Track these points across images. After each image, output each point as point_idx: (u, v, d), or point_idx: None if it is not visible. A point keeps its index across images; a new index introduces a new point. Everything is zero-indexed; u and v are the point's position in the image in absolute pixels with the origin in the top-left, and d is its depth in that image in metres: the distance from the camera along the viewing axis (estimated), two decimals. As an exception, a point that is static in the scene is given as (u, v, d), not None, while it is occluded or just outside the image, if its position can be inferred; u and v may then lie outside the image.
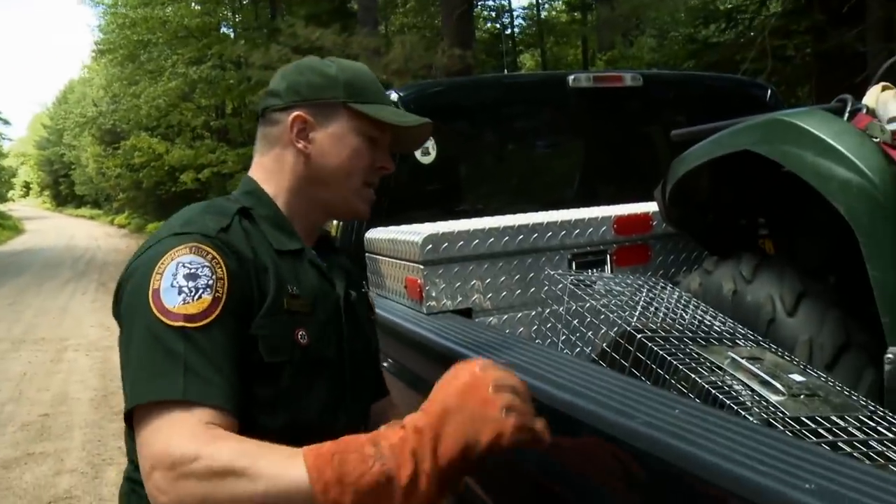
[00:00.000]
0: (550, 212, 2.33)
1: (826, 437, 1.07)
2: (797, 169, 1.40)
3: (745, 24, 10.06)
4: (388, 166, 1.27)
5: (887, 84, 1.57)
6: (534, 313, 2.11)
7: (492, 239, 2.06)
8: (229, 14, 20.40)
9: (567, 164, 3.10)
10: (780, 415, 1.12)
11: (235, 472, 0.86)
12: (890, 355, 1.28)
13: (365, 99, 1.23)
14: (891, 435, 1.09)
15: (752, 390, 1.20)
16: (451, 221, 2.42)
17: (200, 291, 1.01)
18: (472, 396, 0.89)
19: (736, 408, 1.16)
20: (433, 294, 2.04)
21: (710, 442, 0.91)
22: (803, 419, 1.12)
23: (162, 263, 1.03)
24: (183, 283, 1.01)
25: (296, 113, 1.20)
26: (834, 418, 1.12)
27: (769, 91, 3.00)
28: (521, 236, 2.08)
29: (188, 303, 1.00)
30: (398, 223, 2.54)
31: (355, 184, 1.24)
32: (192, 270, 1.03)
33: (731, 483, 0.81)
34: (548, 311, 2.06)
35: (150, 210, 25.94)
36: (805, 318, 1.46)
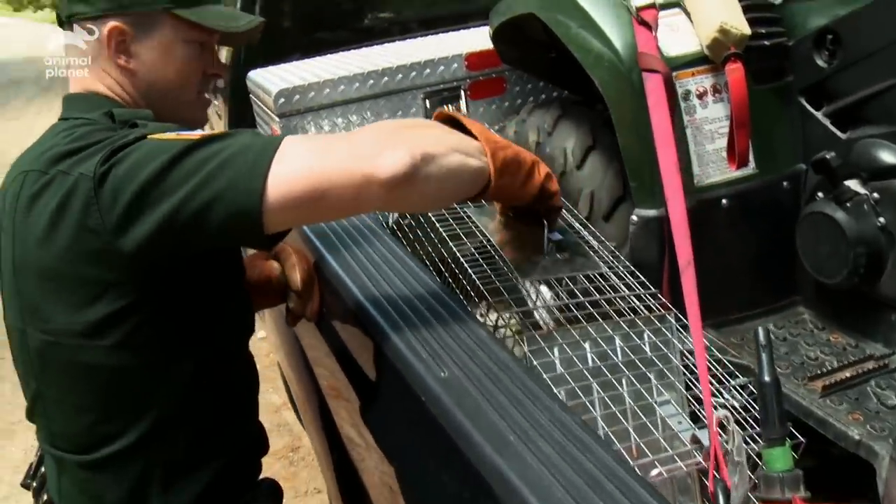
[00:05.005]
0: (401, 51, 2.35)
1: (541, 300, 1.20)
2: (565, 39, 1.43)
3: None
4: (220, 72, 1.20)
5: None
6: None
7: (342, 86, 2.10)
8: None
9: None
10: (514, 278, 1.24)
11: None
12: (634, 217, 1.40)
13: (189, 1, 1.11)
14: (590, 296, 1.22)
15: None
16: (315, 61, 2.44)
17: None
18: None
19: (475, 268, 1.27)
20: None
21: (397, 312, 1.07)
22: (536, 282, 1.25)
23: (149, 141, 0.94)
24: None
25: (112, 24, 1.07)
26: (557, 279, 1.23)
27: None
28: (371, 81, 2.12)
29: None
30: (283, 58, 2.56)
31: (190, 95, 1.16)
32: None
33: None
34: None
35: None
36: (590, 171, 1.55)
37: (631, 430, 1.00)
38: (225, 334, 1.14)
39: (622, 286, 1.27)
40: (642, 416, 1.05)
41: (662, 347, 1.16)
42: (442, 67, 2.17)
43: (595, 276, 1.28)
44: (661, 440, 1.01)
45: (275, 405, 3.29)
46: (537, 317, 1.27)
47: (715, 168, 1.44)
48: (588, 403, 1.04)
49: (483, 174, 1.02)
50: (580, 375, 1.08)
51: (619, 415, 1.04)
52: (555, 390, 1.01)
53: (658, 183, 1.35)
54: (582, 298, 1.23)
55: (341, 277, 1.24)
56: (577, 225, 1.42)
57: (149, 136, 0.95)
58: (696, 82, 1.41)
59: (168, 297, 1.00)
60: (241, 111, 2.62)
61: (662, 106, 1.21)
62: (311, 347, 1.55)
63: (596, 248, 1.36)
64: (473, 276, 1.26)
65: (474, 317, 1.08)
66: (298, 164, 0.90)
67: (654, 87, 1.23)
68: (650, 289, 1.27)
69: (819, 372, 1.34)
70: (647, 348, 1.17)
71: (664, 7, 1.45)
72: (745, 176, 1.45)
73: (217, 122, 3.40)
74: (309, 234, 1.41)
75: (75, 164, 0.94)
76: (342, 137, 0.96)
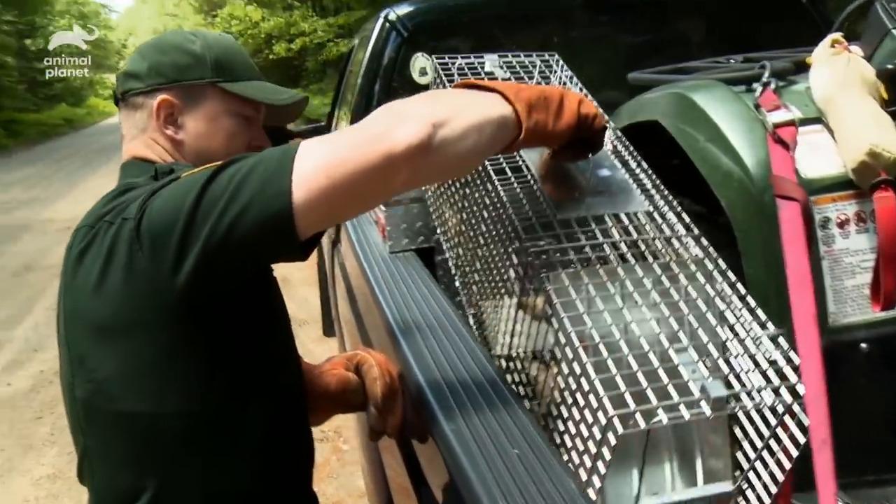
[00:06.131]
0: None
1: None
2: (690, 153, 1.31)
3: None
4: (265, 144, 1.21)
5: (838, 38, 1.41)
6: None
7: (448, 179, 2.04)
8: None
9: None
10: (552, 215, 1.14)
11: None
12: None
13: (234, 76, 1.17)
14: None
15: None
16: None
17: None
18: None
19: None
20: (394, 235, 2.08)
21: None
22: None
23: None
24: None
25: (161, 97, 1.13)
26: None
27: None
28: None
29: None
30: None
31: None
32: None
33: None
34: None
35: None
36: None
37: (640, 376, 0.91)
38: (267, 395, 1.08)
39: (665, 227, 1.15)
40: (654, 362, 0.94)
41: (693, 293, 1.04)
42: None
43: (636, 216, 1.17)
44: (670, 388, 0.91)
45: (360, 490, 3.19)
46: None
47: (854, 307, 1.26)
48: (603, 346, 0.95)
49: (509, 120, 1.00)
50: (600, 318, 1.00)
51: (630, 360, 0.95)
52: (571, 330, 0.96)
53: (788, 322, 1.19)
54: (617, 238, 1.13)
55: (424, 392, 1.14)
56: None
57: (182, 175, 0.98)
58: (837, 209, 1.25)
59: (212, 341, 1.00)
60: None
61: (800, 241, 1.07)
62: (385, 446, 1.46)
63: (648, 186, 1.23)
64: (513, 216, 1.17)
65: (562, 460, 0.96)
66: (319, 160, 0.90)
67: (790, 217, 1.09)
68: (693, 231, 1.12)
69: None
70: (677, 294, 1.04)
71: (804, 123, 1.32)
72: (891, 318, 1.26)
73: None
74: (396, 332, 1.33)
75: (119, 213, 0.98)
76: (356, 125, 0.95)
